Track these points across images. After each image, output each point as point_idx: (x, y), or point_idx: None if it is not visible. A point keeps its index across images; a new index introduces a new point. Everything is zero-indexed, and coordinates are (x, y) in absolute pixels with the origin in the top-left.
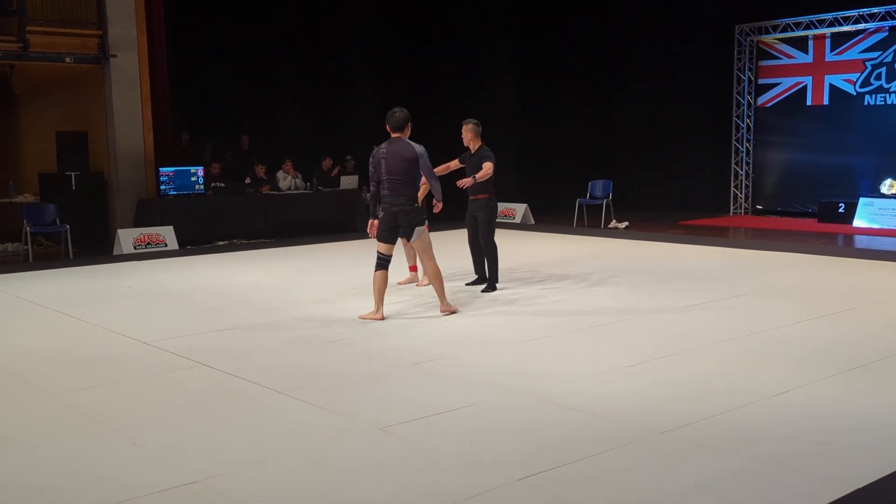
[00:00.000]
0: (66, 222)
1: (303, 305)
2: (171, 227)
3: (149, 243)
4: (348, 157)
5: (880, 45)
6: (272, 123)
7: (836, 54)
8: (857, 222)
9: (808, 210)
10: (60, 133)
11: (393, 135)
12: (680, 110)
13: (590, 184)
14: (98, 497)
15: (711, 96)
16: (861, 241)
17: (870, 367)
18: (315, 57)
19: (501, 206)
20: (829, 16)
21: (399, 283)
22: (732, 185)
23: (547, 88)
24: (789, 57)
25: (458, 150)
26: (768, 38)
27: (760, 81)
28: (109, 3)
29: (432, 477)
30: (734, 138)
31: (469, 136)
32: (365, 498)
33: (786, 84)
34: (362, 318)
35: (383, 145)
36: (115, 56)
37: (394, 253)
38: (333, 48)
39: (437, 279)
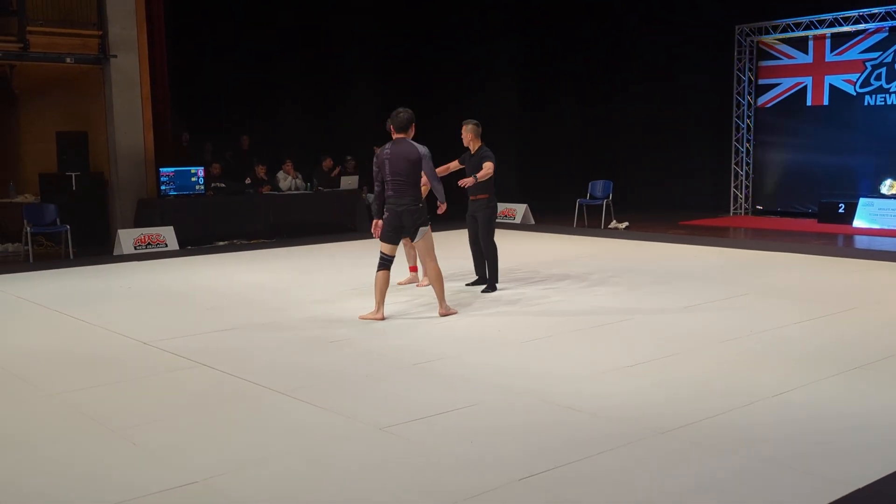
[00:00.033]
0: (67, 222)
1: (303, 305)
2: (171, 228)
3: (149, 243)
4: (348, 158)
5: (880, 46)
6: (272, 124)
7: (836, 55)
8: (857, 223)
9: (808, 210)
10: (61, 133)
11: (397, 135)
12: (680, 111)
13: (590, 184)
14: (98, 497)
15: (711, 97)
16: (861, 242)
17: (870, 368)
18: (315, 57)
19: (502, 207)
20: (829, 16)
21: (399, 284)
22: (732, 185)
23: (547, 89)
24: (789, 57)
25: (458, 150)
26: (768, 39)
27: (760, 82)
28: (109, 3)
29: (433, 477)
30: (734, 139)
31: (469, 136)
32: (365, 498)
33: (786, 84)
34: (363, 318)
35: (387, 146)
36: (115, 56)
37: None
38: (333, 48)
39: (437, 281)
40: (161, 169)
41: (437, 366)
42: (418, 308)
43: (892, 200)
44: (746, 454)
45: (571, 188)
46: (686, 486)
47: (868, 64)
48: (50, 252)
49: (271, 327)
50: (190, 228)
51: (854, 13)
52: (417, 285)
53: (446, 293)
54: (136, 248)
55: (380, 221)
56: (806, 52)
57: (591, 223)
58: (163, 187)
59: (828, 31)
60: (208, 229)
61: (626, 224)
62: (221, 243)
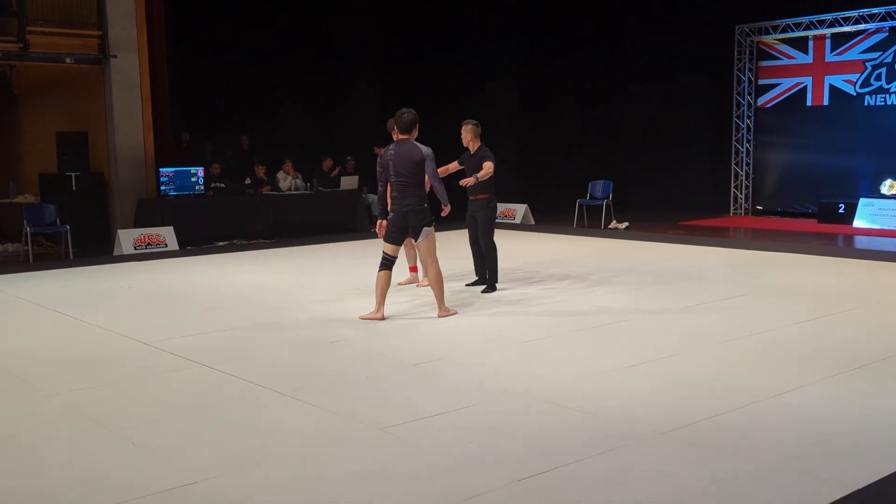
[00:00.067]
0: (67, 223)
1: (303, 306)
2: (171, 228)
3: (149, 244)
4: (348, 158)
5: (880, 46)
6: (272, 124)
7: (836, 55)
8: (857, 223)
9: (808, 210)
10: (61, 133)
11: (401, 136)
12: (680, 111)
13: (590, 184)
14: (98, 497)
15: (711, 97)
16: (861, 242)
17: (869, 368)
18: (315, 57)
19: (501, 207)
20: (829, 16)
21: (399, 284)
22: (732, 185)
23: (547, 89)
24: (789, 57)
25: (458, 150)
26: (768, 39)
27: (760, 82)
28: (109, 3)
29: (433, 477)
30: (734, 139)
31: (469, 136)
32: (365, 499)
33: (786, 84)
34: (363, 318)
35: (391, 147)
36: (115, 56)
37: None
38: (333, 48)
39: (437, 283)
40: (161, 169)
41: (438, 366)
42: (419, 308)
43: (892, 201)
44: (746, 454)
45: (571, 188)
46: (686, 487)
47: (868, 64)
48: (50, 252)
49: (271, 327)
50: (190, 228)
51: (854, 13)
52: (417, 286)
53: (446, 294)
54: (136, 249)
55: (384, 222)
56: (806, 53)
57: (591, 223)
58: (163, 187)
59: (828, 32)
60: (208, 229)
61: (626, 224)
62: (221, 243)
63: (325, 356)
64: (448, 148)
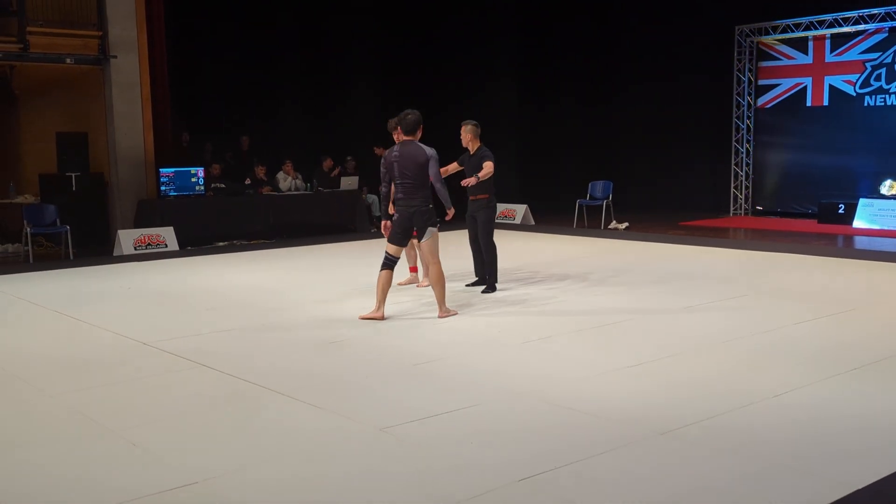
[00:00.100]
0: (67, 223)
1: (303, 306)
2: (171, 228)
3: (149, 244)
4: (348, 158)
5: (880, 46)
6: (272, 124)
7: (835, 55)
8: (857, 223)
9: (807, 211)
10: (61, 134)
11: (405, 137)
12: (680, 111)
13: (590, 184)
14: (97, 498)
15: (711, 97)
16: (861, 242)
17: (870, 368)
18: (315, 57)
19: (501, 207)
20: (829, 17)
21: (399, 284)
22: (732, 185)
23: (547, 89)
24: (789, 58)
25: (458, 150)
26: (768, 39)
27: (760, 82)
28: (109, 3)
29: (433, 478)
30: (734, 139)
31: (468, 136)
32: (365, 499)
33: (786, 85)
34: (363, 317)
35: (395, 148)
36: (115, 57)
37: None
38: (333, 48)
39: (439, 284)
40: (161, 169)
41: (438, 366)
42: (419, 308)
43: (892, 201)
44: (746, 455)
45: (571, 188)
46: (686, 487)
47: (868, 64)
48: (50, 252)
49: (271, 328)
50: (190, 229)
51: (854, 14)
52: (417, 286)
53: (446, 294)
54: (136, 249)
55: (389, 223)
56: (806, 53)
57: (590, 224)
58: (163, 188)
59: (828, 32)
60: (208, 230)
61: (625, 224)
62: (221, 244)
63: (324, 356)
64: (448, 148)
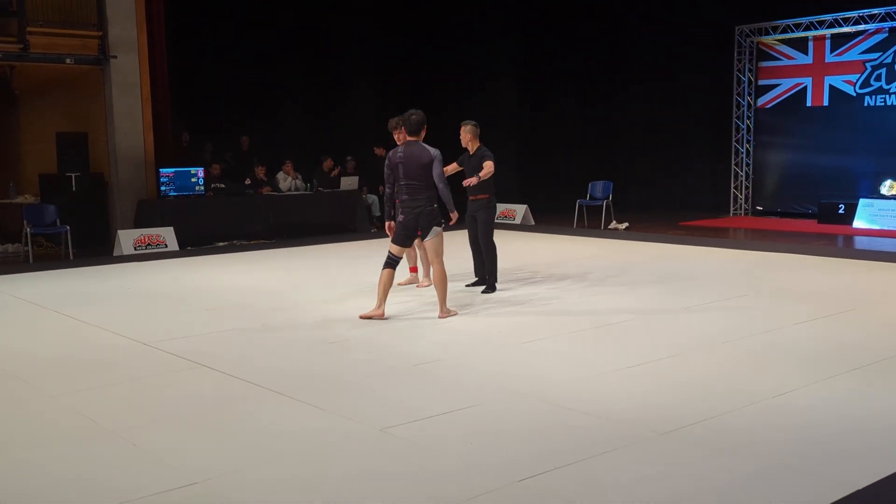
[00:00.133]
0: (67, 223)
1: (303, 306)
2: (171, 228)
3: (149, 244)
4: (348, 158)
5: (880, 46)
6: (272, 124)
7: (835, 55)
8: (857, 223)
9: (808, 211)
10: (61, 134)
11: (409, 138)
12: (680, 111)
13: (590, 185)
14: (97, 498)
15: (711, 97)
16: (861, 242)
17: (870, 368)
18: (315, 57)
19: (501, 207)
20: (829, 17)
21: (399, 284)
22: (732, 185)
23: (547, 89)
24: (789, 58)
25: (458, 151)
26: (768, 39)
27: (760, 82)
28: (109, 3)
29: (433, 478)
30: (734, 139)
31: (468, 137)
32: (365, 499)
33: (786, 85)
34: (363, 316)
35: (399, 149)
36: (115, 57)
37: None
38: (333, 48)
39: (441, 284)
40: (161, 170)
41: (438, 367)
42: (419, 309)
43: (892, 201)
44: (746, 455)
45: (571, 188)
46: (686, 488)
47: (868, 65)
48: (50, 253)
49: (271, 328)
50: (190, 229)
51: (854, 14)
52: (417, 286)
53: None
54: (135, 249)
55: (392, 224)
56: (806, 53)
57: (591, 224)
58: (163, 188)
59: (828, 32)
60: (208, 230)
61: (625, 225)
62: (221, 244)
63: (325, 357)
64: (448, 148)
